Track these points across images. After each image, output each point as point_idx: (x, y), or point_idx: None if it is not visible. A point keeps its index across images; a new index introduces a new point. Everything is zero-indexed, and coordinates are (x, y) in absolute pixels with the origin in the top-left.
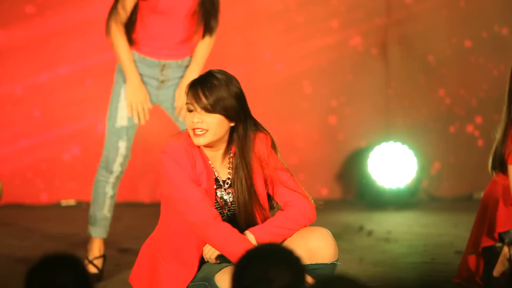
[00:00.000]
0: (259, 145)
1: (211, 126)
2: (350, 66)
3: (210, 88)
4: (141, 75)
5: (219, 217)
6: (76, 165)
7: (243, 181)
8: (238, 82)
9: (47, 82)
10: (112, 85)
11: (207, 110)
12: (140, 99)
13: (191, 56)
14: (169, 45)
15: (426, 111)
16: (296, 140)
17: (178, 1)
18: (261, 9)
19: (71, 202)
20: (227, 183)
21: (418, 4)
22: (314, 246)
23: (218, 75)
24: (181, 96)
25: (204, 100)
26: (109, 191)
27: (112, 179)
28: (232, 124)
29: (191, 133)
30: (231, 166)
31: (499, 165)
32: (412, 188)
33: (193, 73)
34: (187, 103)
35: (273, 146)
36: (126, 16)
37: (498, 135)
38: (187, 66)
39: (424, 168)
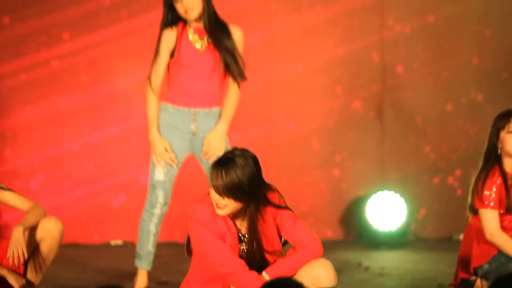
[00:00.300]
0: (269, 213)
1: (229, 203)
2: (351, 126)
3: (226, 173)
4: (176, 129)
5: (246, 266)
6: (123, 210)
7: (255, 248)
8: (255, 163)
9: (99, 140)
10: None
11: (220, 194)
12: (160, 151)
13: (218, 108)
14: (197, 95)
15: (415, 165)
16: (306, 189)
17: (199, 57)
18: (277, 77)
19: (119, 242)
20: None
21: (408, 74)
22: (317, 274)
23: (237, 159)
24: (209, 142)
25: (219, 183)
26: (153, 229)
27: (154, 219)
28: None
29: (214, 204)
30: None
31: (472, 209)
32: (402, 231)
33: (223, 125)
34: (210, 178)
35: (280, 196)
36: (160, 78)
37: (472, 184)
38: (214, 116)
39: (412, 213)
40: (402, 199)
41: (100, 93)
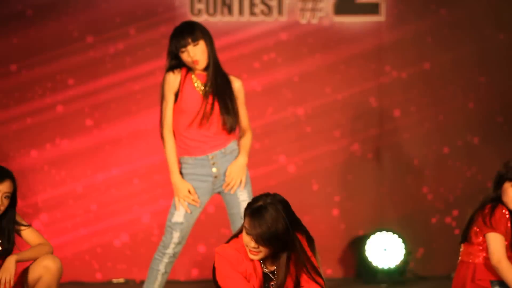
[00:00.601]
0: (293, 259)
1: (263, 250)
2: (350, 168)
3: (260, 223)
4: (199, 175)
5: None
6: (125, 249)
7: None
8: (286, 209)
9: (102, 181)
10: (155, 184)
11: (255, 242)
12: (183, 194)
13: (233, 142)
14: (208, 139)
15: (413, 205)
16: None
17: (193, 100)
18: (277, 121)
19: (121, 280)
20: (274, 275)
21: (405, 118)
22: None
23: (270, 209)
24: (230, 173)
25: (254, 232)
26: (162, 269)
27: (165, 259)
28: None
29: (247, 248)
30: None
31: (465, 237)
32: (401, 269)
33: (243, 156)
34: (245, 227)
35: (309, 245)
36: (171, 120)
37: (469, 215)
38: (232, 152)
39: (411, 252)
40: (400, 239)
41: (104, 136)
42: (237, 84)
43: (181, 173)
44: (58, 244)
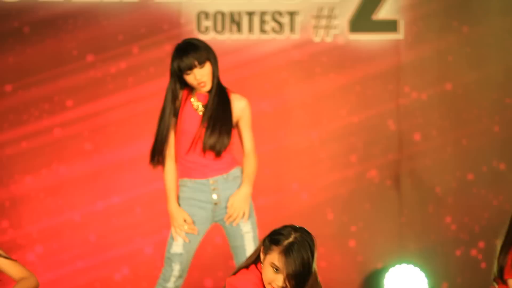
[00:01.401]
0: None
1: (288, 285)
2: (367, 196)
3: (294, 264)
4: (197, 201)
5: None
6: (126, 284)
7: None
8: (313, 248)
9: (101, 210)
10: (158, 213)
11: (284, 280)
12: (178, 223)
13: (237, 168)
14: (210, 163)
15: (435, 237)
16: (320, 261)
17: (192, 122)
18: (289, 145)
19: None
20: None
21: (426, 142)
22: None
23: (305, 249)
24: (233, 204)
25: (286, 271)
26: None
27: None
28: None
29: (269, 285)
30: None
31: (500, 278)
32: None
33: (247, 186)
34: (274, 264)
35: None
36: (172, 144)
37: (497, 252)
38: (235, 178)
39: (433, 287)
40: (423, 273)
41: (104, 161)
42: (240, 104)
43: (179, 196)
44: (53, 278)
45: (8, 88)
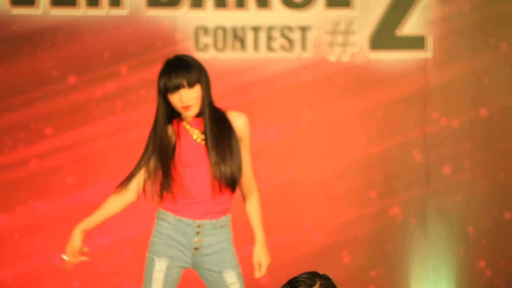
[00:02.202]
0: None
1: None
2: (389, 236)
3: None
4: (176, 242)
5: None
6: None
7: None
8: None
9: (85, 253)
10: None
11: None
12: (73, 249)
13: (227, 216)
14: (204, 200)
15: (467, 283)
16: None
17: (202, 151)
18: (300, 179)
19: None
20: None
21: (457, 176)
22: None
23: None
24: (259, 260)
25: None
26: None
27: None
28: None
29: None
30: None
31: None
32: None
33: (262, 234)
34: None
35: None
36: (143, 177)
37: None
38: (222, 227)
39: None
40: None
41: (88, 197)
42: (240, 122)
43: (155, 230)
44: None
45: None
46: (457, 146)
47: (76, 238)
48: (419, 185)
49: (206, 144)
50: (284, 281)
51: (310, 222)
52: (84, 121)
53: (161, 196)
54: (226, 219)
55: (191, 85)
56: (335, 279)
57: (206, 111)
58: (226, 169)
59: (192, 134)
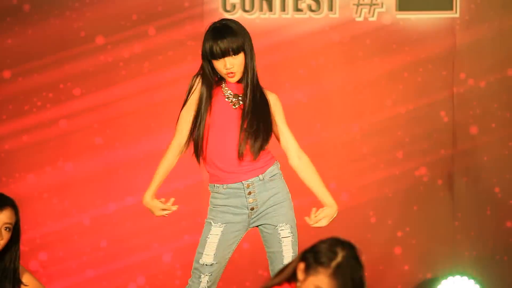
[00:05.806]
0: None
1: None
2: (415, 197)
3: (344, 287)
4: (232, 207)
5: None
6: None
7: None
8: (361, 264)
9: (114, 212)
10: (179, 216)
11: None
12: (159, 213)
13: (274, 165)
14: (243, 164)
15: (493, 244)
16: None
17: (235, 116)
18: (327, 140)
19: None
20: None
21: (484, 136)
22: None
23: (355, 270)
24: (328, 215)
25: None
26: None
27: None
28: None
29: None
30: None
31: None
32: None
33: (323, 192)
34: (319, 286)
35: None
36: (187, 132)
37: None
38: (271, 179)
39: None
40: (479, 286)
41: (116, 157)
42: (272, 97)
43: (211, 203)
44: None
45: (7, 74)
46: (484, 107)
47: (152, 204)
48: (446, 145)
49: (243, 109)
50: (311, 241)
51: (337, 183)
52: (112, 82)
53: (198, 156)
54: (273, 168)
55: (236, 52)
56: (361, 240)
57: (249, 78)
58: (251, 142)
59: (227, 95)
